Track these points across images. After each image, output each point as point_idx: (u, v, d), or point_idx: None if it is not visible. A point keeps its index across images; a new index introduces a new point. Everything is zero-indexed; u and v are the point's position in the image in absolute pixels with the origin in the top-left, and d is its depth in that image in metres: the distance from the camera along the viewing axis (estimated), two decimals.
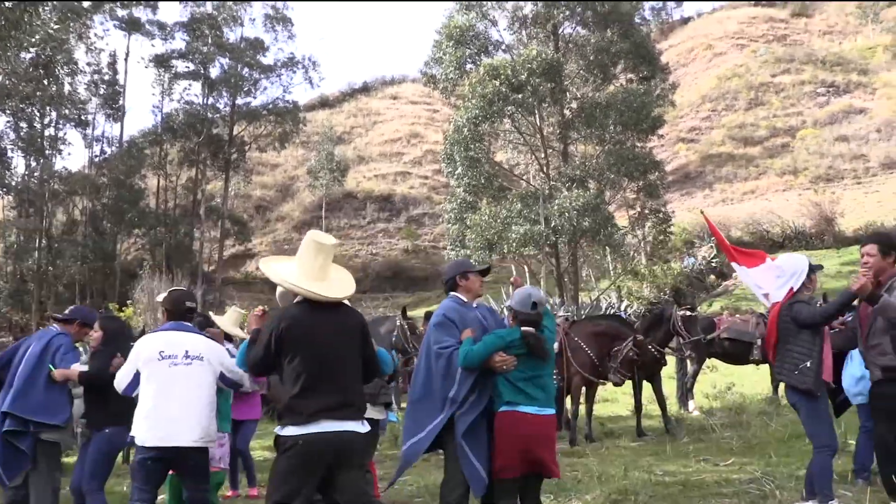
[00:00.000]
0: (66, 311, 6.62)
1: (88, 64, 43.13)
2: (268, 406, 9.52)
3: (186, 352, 5.12)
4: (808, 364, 5.38)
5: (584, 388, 10.35)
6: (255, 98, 47.50)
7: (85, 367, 5.93)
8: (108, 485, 7.32)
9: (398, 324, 9.40)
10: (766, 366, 11.75)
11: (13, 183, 39.55)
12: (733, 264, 6.65)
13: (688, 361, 12.38)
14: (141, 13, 45.28)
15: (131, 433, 5.13)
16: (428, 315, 11.22)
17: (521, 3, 29.04)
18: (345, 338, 4.20)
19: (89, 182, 42.06)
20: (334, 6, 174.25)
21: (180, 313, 5.36)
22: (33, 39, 28.51)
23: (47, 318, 6.55)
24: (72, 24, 34.90)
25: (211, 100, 47.09)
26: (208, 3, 46.45)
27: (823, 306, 5.40)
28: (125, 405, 5.82)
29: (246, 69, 46.47)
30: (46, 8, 28.65)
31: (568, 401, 10.53)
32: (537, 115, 28.12)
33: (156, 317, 20.71)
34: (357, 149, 69.80)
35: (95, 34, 43.02)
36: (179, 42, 46.61)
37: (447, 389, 4.76)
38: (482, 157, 26.88)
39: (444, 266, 5.39)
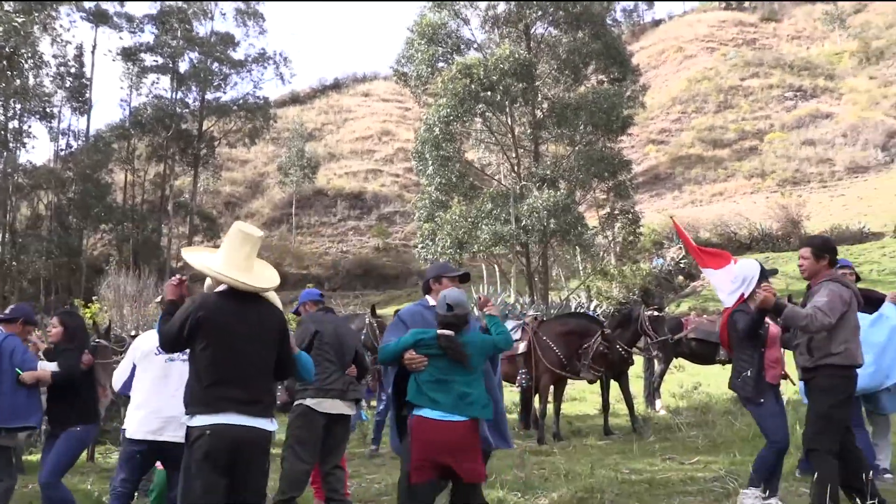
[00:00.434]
0: (7, 311, 6.48)
1: (54, 56, 42.50)
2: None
3: None
4: (748, 373, 5.54)
5: (552, 387, 10.38)
6: (224, 93, 47.21)
7: (53, 366, 5.84)
8: (72, 482, 7.23)
9: (367, 322, 9.34)
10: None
11: None
12: (702, 268, 6.70)
13: (655, 361, 12.46)
14: (109, 5, 44.75)
15: (123, 426, 5.15)
16: (397, 313, 11.17)
17: (494, 3, 29.08)
18: (262, 333, 4.10)
19: (54, 176, 41.44)
20: (306, 2, 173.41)
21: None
22: None
23: None
24: (37, 16, 34.33)
25: (180, 94, 46.66)
26: None
27: (745, 323, 5.53)
28: (94, 403, 5.84)
29: (216, 64, 46.08)
30: None
31: (536, 399, 10.56)
32: (509, 115, 28.17)
33: (122, 313, 20.42)
34: (328, 146, 69.52)
35: (61, 26, 42.38)
36: (148, 35, 46.17)
37: (386, 386, 4.93)
38: (453, 155, 26.87)
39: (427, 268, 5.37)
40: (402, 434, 4.85)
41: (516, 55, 25.87)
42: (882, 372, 6.34)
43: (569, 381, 12.09)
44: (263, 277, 4.21)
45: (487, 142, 30.52)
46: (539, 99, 28.37)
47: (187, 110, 46.99)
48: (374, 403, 13.54)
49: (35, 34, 37.69)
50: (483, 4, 29.23)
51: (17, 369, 5.79)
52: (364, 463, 9.20)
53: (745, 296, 5.62)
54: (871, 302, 6.89)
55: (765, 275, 5.70)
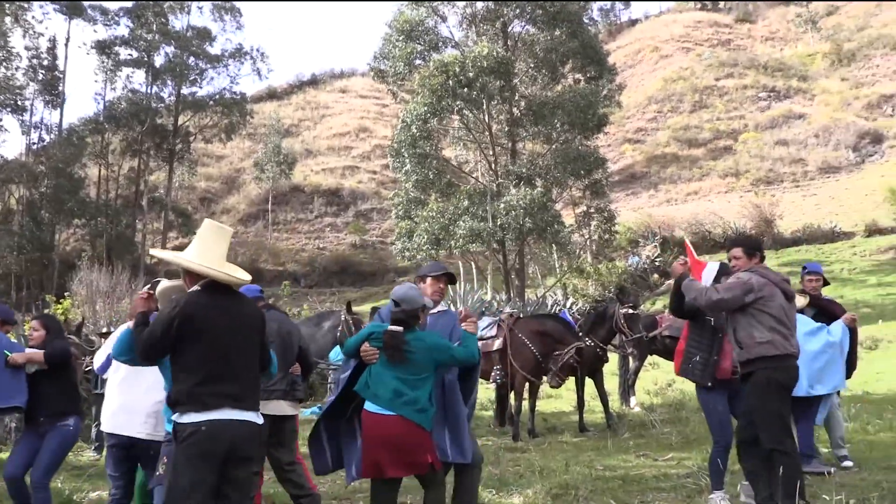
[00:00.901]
0: None
1: (26, 48, 42.00)
2: None
3: None
4: (697, 357, 5.67)
5: (527, 384, 10.41)
6: (201, 88, 46.84)
7: (41, 353, 5.91)
8: None
9: (343, 318, 9.32)
10: None
11: None
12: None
13: (630, 358, 12.55)
14: None
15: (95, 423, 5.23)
16: (373, 310, 11.15)
17: (472, 1, 29.08)
18: (245, 327, 4.12)
19: (26, 170, 40.91)
20: None
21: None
22: None
23: None
24: (8, 7, 33.84)
25: (155, 88, 46.25)
26: None
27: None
28: (79, 399, 5.97)
29: (192, 58, 45.67)
30: None
31: (512, 396, 10.58)
32: (486, 113, 28.18)
33: (94, 309, 20.21)
34: (305, 142, 69.23)
35: (34, 17, 41.86)
36: (123, 28, 45.71)
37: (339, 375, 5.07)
38: (431, 153, 26.84)
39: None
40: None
41: (494, 53, 25.87)
42: (803, 385, 6.44)
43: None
44: (239, 271, 4.23)
45: (465, 139, 30.52)
46: (516, 97, 28.41)
47: (162, 105, 46.59)
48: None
49: (6, 25, 37.18)
50: (461, 2, 29.23)
51: (4, 351, 5.88)
52: None
53: None
54: (826, 314, 7.02)
55: (726, 272, 5.80)
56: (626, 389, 12.78)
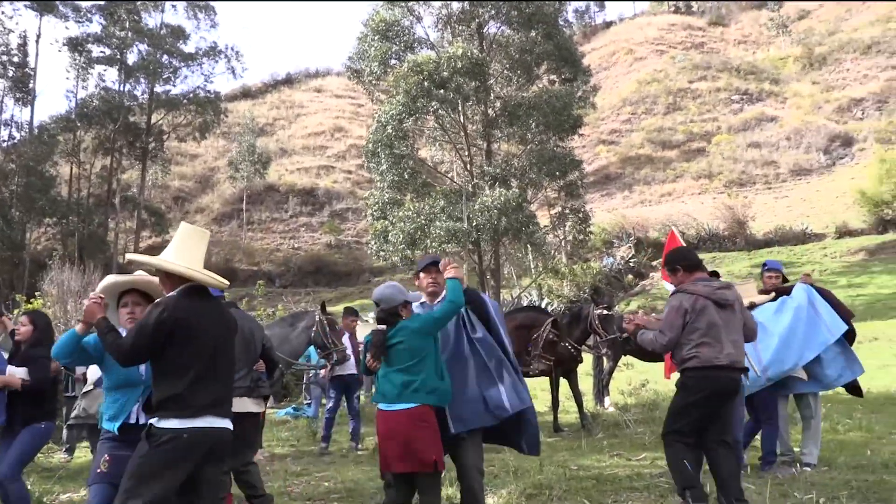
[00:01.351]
0: None
1: None
2: None
3: None
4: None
5: None
6: (174, 86, 46.47)
7: (22, 372, 5.82)
8: None
9: (317, 319, 9.27)
10: None
11: None
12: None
13: (604, 359, 12.61)
14: None
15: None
16: (348, 310, 11.12)
17: (447, 2, 29.07)
18: (226, 333, 4.14)
19: None
20: None
21: None
22: None
23: None
24: None
25: (128, 86, 45.80)
26: None
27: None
28: (56, 403, 5.94)
29: (166, 56, 45.27)
30: None
31: None
32: (461, 113, 28.18)
33: (66, 309, 19.95)
34: (280, 141, 68.93)
35: (3, 13, 41.28)
36: (96, 26, 45.18)
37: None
38: (406, 153, 26.79)
39: None
40: None
41: (468, 54, 25.88)
42: (791, 358, 6.63)
43: None
44: (216, 275, 4.21)
45: (440, 140, 30.51)
46: (491, 98, 28.43)
47: (136, 103, 46.14)
48: (323, 401, 13.51)
49: None
50: (436, 3, 29.19)
51: None
52: (314, 460, 9.15)
53: None
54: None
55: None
56: (601, 390, 12.85)
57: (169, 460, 3.75)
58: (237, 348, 5.74)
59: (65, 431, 9.85)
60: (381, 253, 26.78)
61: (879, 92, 57.50)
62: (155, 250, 50.48)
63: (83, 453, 10.11)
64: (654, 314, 5.94)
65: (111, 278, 4.54)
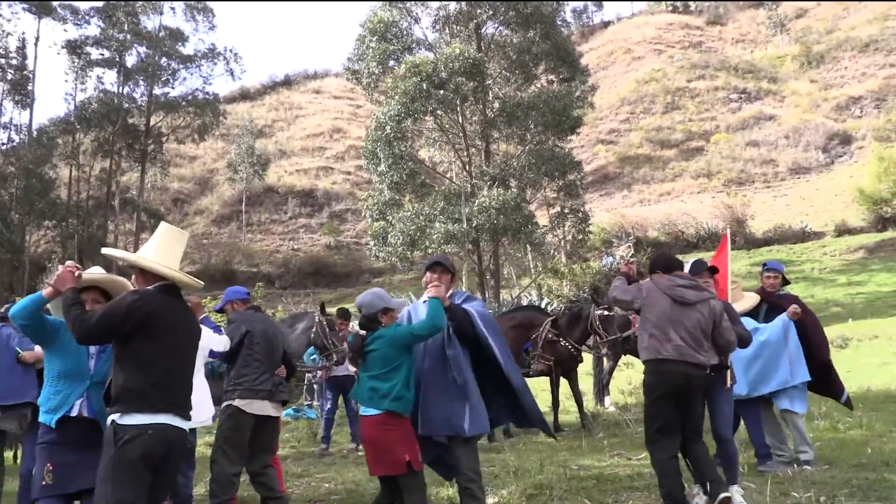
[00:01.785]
0: (2, 310, 6.75)
1: None
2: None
3: None
4: None
5: None
6: (173, 88, 46.41)
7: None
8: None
9: (317, 320, 9.25)
10: None
11: None
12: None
13: (604, 359, 12.61)
14: None
15: None
16: (341, 312, 11.10)
17: (445, 2, 29.09)
18: (192, 334, 4.12)
19: None
20: None
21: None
22: None
23: None
24: None
25: (127, 89, 45.73)
26: None
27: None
28: None
29: (164, 59, 45.25)
30: None
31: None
32: (460, 114, 28.21)
33: None
34: (278, 143, 68.95)
35: (2, 16, 41.26)
36: (94, 28, 45.15)
37: None
38: (405, 154, 26.81)
39: None
40: None
41: (466, 54, 25.90)
42: (742, 386, 6.66)
43: None
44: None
45: (439, 140, 30.54)
46: (490, 98, 28.46)
47: (134, 105, 46.10)
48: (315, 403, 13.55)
49: None
50: (434, 4, 29.22)
51: (16, 349, 6.31)
52: (314, 462, 9.15)
53: None
54: (778, 310, 7.10)
55: (700, 268, 6.05)
56: (601, 389, 12.84)
57: (136, 456, 3.68)
58: (261, 351, 5.79)
59: None
60: (381, 254, 26.80)
61: (877, 90, 57.55)
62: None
63: None
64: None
65: (95, 273, 4.52)
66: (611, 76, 72.79)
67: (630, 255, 35.32)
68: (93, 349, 4.27)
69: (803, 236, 39.00)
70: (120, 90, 45.37)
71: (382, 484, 4.96)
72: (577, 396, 10.81)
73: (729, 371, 5.87)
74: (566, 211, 30.46)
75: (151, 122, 45.77)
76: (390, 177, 26.34)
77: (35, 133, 43.59)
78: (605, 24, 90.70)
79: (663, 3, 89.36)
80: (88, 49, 44.76)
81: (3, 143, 44.18)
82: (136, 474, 3.69)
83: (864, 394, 11.36)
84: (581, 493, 6.26)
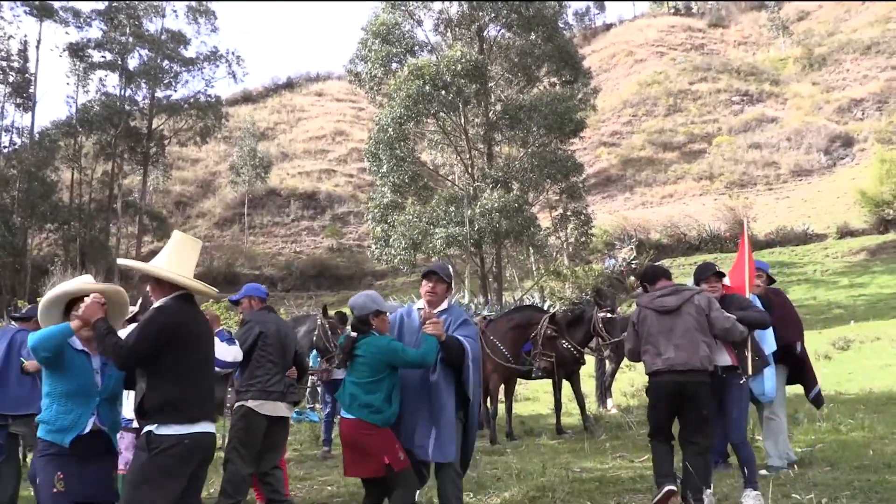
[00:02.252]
0: (24, 311, 6.88)
1: None
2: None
3: None
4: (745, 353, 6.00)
5: (502, 387, 10.46)
6: (175, 91, 46.49)
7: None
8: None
9: (319, 323, 9.26)
10: None
11: None
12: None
13: (606, 361, 12.62)
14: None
15: None
16: (338, 315, 11.10)
17: (447, 4, 29.13)
18: (211, 342, 4.22)
19: None
20: (260, 1, 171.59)
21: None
22: None
23: (9, 317, 7.02)
24: None
25: (129, 92, 45.77)
26: None
27: None
28: None
29: (166, 61, 45.32)
30: None
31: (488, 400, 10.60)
32: (462, 116, 28.22)
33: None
34: (281, 145, 68.96)
35: (3, 18, 41.33)
36: (96, 31, 45.20)
37: None
38: (407, 156, 26.82)
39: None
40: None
41: (468, 56, 25.92)
42: None
43: (522, 380, 12.18)
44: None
45: (441, 143, 30.55)
46: (492, 100, 28.48)
47: (136, 108, 46.15)
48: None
49: None
50: (436, 6, 29.25)
51: (21, 359, 6.31)
52: (316, 465, 9.16)
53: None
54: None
55: (706, 272, 6.10)
56: (603, 392, 12.84)
57: (171, 466, 3.75)
58: (274, 352, 5.83)
59: None
60: (383, 257, 26.81)
61: (879, 92, 57.50)
62: (156, 255, 50.38)
63: None
64: None
65: (69, 286, 4.39)
66: (613, 79, 72.78)
67: (632, 257, 35.29)
68: (96, 365, 4.24)
69: (805, 238, 38.96)
70: (122, 93, 45.43)
71: (365, 485, 5.01)
72: (580, 399, 10.82)
73: (749, 363, 5.86)
74: (568, 213, 30.46)
75: (153, 125, 45.83)
76: (392, 179, 26.36)
77: (37, 136, 43.63)
78: (608, 27, 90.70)
79: (665, 5, 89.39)
80: (90, 52, 44.82)
81: (4, 146, 44.26)
82: (172, 482, 3.75)
83: (866, 396, 11.36)
84: (583, 496, 6.27)
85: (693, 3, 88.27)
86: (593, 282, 28.49)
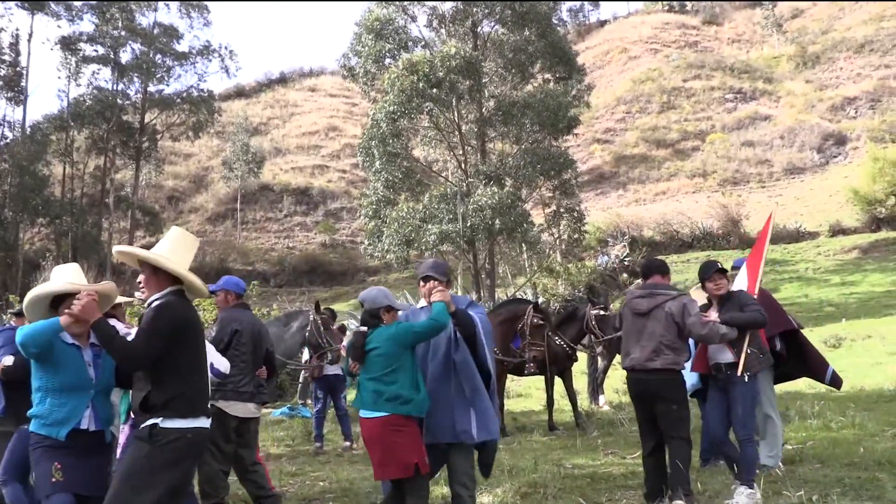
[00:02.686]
0: (17, 308, 6.72)
1: None
2: None
3: None
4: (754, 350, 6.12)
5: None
6: (168, 85, 46.29)
7: (9, 360, 5.61)
8: None
9: (311, 318, 9.24)
10: None
11: None
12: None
13: (598, 357, 12.63)
14: None
15: None
16: (330, 311, 11.10)
17: (441, 1, 29.08)
18: (202, 335, 4.18)
19: None
20: None
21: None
22: None
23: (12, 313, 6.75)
24: None
25: (121, 86, 45.55)
26: None
27: None
28: None
29: (159, 56, 45.12)
30: None
31: None
32: (455, 112, 28.19)
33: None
34: (274, 140, 68.82)
35: None
36: (88, 25, 44.99)
37: None
38: (400, 152, 26.78)
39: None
40: None
41: (462, 52, 25.88)
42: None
43: (514, 376, 12.18)
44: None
45: (434, 139, 30.50)
46: (485, 96, 28.44)
47: (129, 102, 45.95)
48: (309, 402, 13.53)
49: None
50: (430, 2, 29.21)
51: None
52: (309, 461, 9.14)
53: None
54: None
55: (710, 270, 6.08)
56: (595, 388, 12.86)
57: (173, 460, 3.74)
58: (248, 352, 5.83)
59: None
60: (376, 253, 26.77)
61: (872, 90, 57.69)
62: (148, 250, 50.20)
63: None
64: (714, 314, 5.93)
65: (55, 286, 4.33)
66: (607, 75, 72.83)
67: (625, 254, 35.32)
68: (88, 357, 4.19)
69: (798, 236, 39.07)
70: (114, 87, 45.21)
71: (393, 485, 4.83)
72: (572, 395, 10.83)
73: (742, 361, 5.82)
74: (561, 210, 30.45)
75: (146, 120, 45.66)
76: (385, 175, 26.31)
77: (28, 130, 43.41)
78: (602, 24, 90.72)
79: (659, 2, 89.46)
80: (82, 45, 44.57)
81: None
82: (176, 474, 3.76)
83: (857, 393, 11.39)
84: (575, 492, 6.27)
85: (687, 0, 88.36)
86: (586, 279, 28.50)
